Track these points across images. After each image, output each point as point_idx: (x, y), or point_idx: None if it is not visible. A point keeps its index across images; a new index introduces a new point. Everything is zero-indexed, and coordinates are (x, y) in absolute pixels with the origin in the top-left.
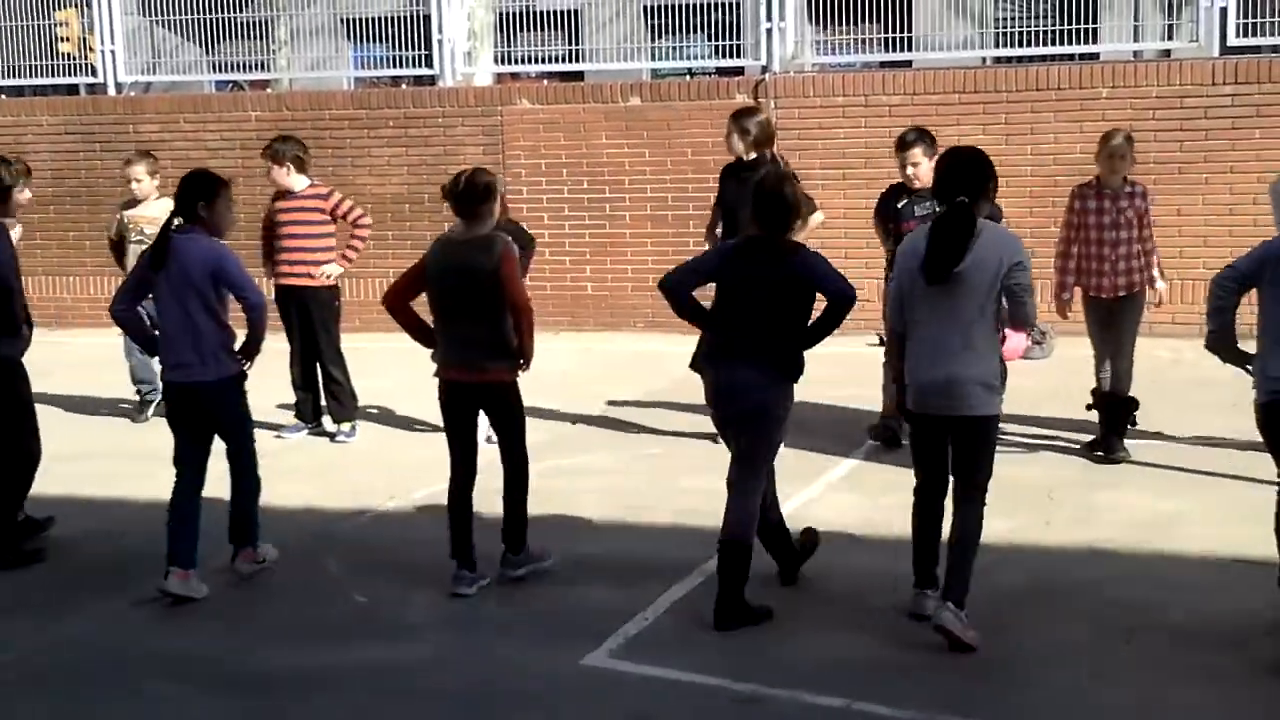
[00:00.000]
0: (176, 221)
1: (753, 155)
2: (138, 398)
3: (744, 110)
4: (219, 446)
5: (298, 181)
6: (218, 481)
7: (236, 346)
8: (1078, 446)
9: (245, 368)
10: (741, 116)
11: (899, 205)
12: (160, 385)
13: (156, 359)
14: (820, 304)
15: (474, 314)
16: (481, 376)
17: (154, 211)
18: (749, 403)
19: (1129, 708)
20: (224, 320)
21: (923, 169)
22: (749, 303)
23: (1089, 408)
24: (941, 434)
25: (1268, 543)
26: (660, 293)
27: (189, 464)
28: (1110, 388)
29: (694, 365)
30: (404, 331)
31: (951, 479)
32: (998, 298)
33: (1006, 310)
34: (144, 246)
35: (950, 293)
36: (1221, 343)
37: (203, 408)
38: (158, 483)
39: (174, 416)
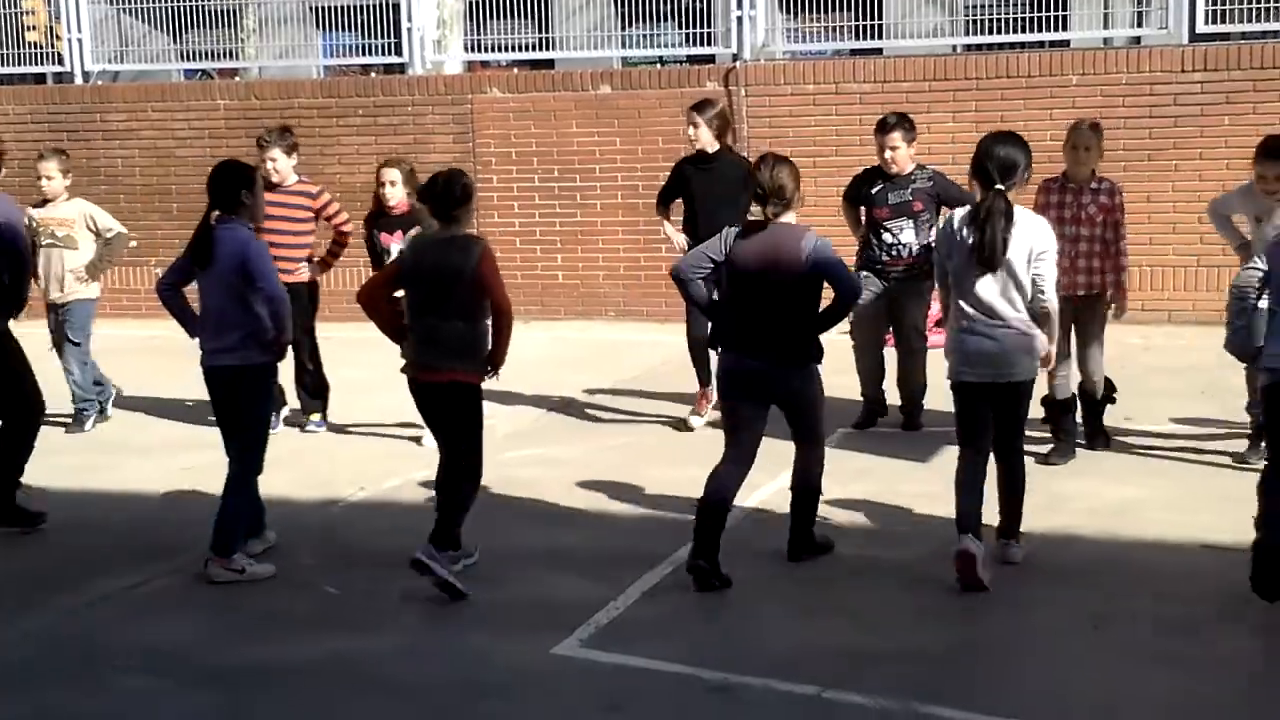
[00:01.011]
0: (215, 214)
1: (715, 147)
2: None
3: (704, 102)
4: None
5: (290, 174)
6: (207, 474)
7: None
8: (1045, 435)
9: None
10: (704, 109)
11: (873, 190)
12: (100, 401)
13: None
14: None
15: (447, 314)
16: (445, 376)
17: (64, 213)
18: (781, 390)
19: (1098, 694)
20: (257, 310)
21: (901, 154)
22: (763, 289)
23: (1043, 421)
24: (986, 399)
25: (1234, 529)
26: (673, 281)
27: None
28: (1080, 389)
29: (711, 344)
30: (380, 325)
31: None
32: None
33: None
34: (58, 249)
35: (995, 274)
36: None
37: (230, 393)
38: (127, 475)
39: (215, 404)
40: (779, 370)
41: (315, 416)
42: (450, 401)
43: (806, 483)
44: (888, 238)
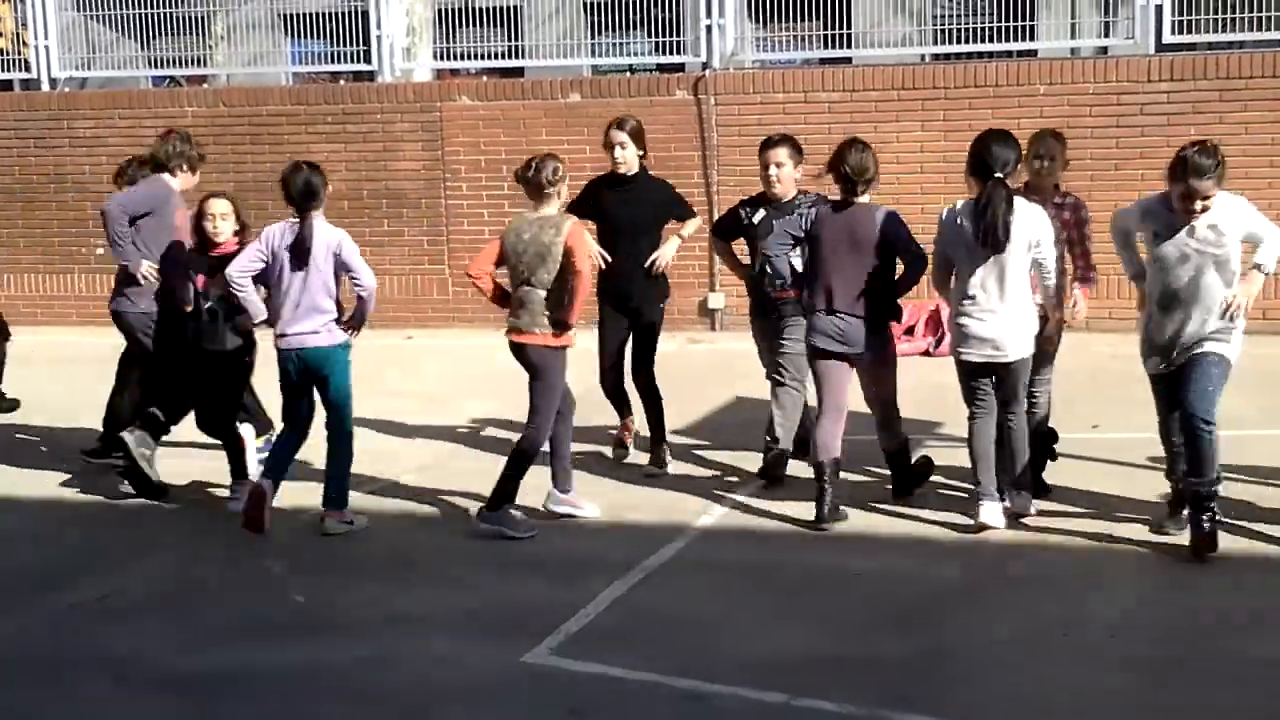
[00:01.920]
0: (293, 218)
1: (635, 170)
2: None
3: (625, 119)
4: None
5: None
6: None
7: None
8: None
9: (351, 338)
10: (625, 124)
11: (755, 220)
12: None
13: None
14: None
15: (539, 285)
16: (529, 339)
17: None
18: (861, 348)
19: (1067, 700)
20: (338, 297)
21: (786, 173)
22: (845, 259)
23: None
24: (985, 375)
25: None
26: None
27: (293, 425)
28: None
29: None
30: (485, 297)
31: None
32: (1032, 264)
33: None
34: None
35: (999, 259)
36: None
37: (318, 371)
38: (88, 482)
39: (296, 382)
40: (860, 330)
41: (259, 441)
42: (531, 361)
43: (895, 437)
44: (769, 268)
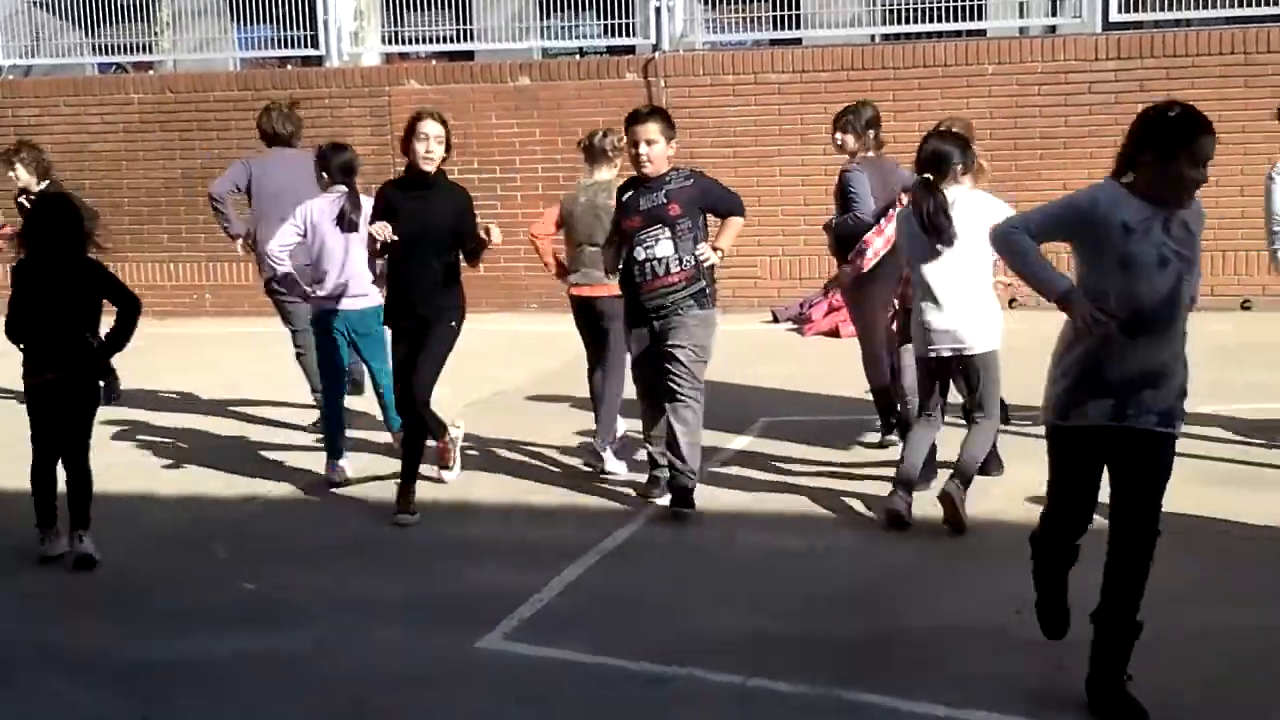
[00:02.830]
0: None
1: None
2: None
3: (437, 110)
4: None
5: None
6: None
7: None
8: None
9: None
10: (443, 122)
11: (623, 199)
12: None
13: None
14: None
15: (596, 244)
16: (595, 290)
17: None
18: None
19: (1022, 678)
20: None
21: (657, 151)
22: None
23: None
24: (948, 372)
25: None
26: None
27: (335, 377)
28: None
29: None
30: (542, 260)
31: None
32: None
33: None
34: None
35: (953, 253)
36: None
37: (357, 333)
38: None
39: (333, 342)
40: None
41: None
42: (597, 312)
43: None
44: (639, 253)
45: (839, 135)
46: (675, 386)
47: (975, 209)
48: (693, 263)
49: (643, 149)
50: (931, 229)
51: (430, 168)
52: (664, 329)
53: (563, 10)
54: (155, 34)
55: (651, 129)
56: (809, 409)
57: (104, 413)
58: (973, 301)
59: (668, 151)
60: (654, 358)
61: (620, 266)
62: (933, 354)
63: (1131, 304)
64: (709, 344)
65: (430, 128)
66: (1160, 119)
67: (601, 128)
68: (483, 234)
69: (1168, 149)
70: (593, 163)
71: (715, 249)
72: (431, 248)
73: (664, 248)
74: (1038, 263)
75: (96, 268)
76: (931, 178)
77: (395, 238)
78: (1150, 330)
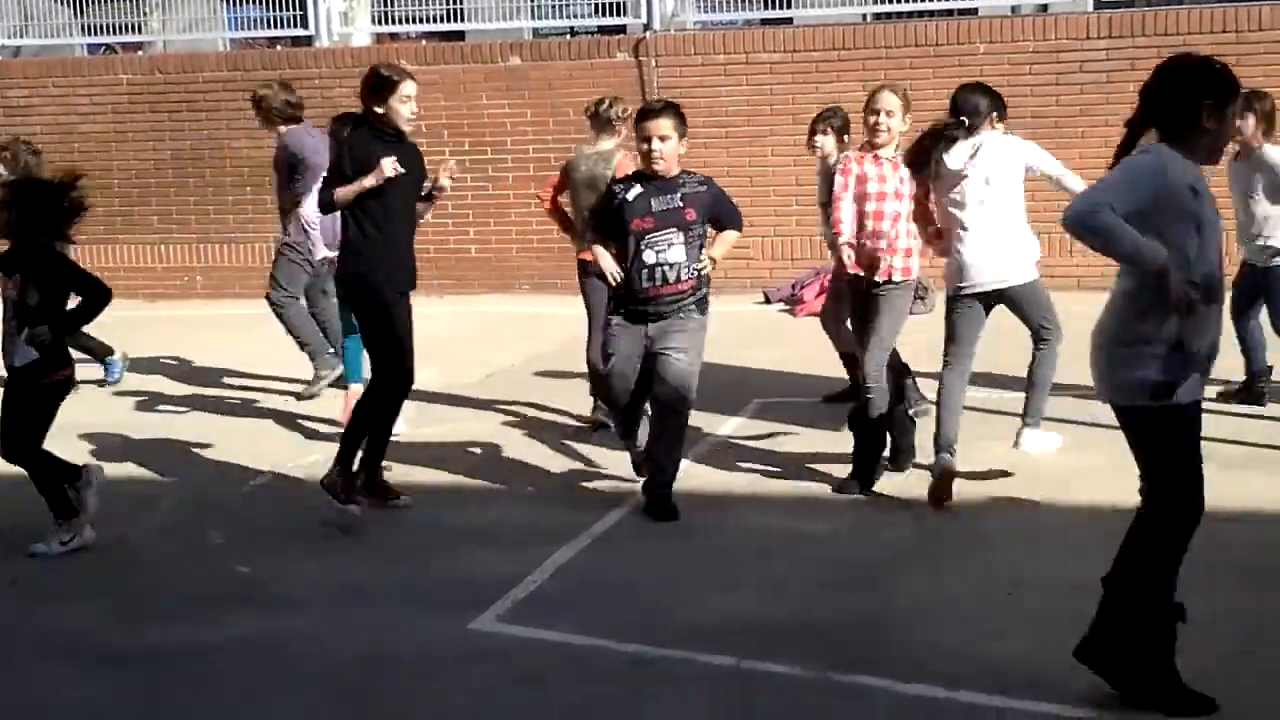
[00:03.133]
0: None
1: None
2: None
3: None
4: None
5: None
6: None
7: None
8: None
9: None
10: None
11: (629, 198)
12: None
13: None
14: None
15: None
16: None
17: None
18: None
19: (1015, 658)
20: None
21: (670, 148)
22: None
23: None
24: (985, 309)
25: None
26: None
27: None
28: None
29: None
30: (555, 224)
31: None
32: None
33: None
34: None
35: (988, 191)
36: None
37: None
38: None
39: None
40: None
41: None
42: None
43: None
44: (649, 256)
45: (819, 139)
46: (672, 400)
47: (1005, 148)
48: (697, 271)
49: (655, 145)
50: (934, 162)
51: (411, 129)
52: (662, 330)
53: None
54: (144, 14)
55: (664, 125)
56: (802, 390)
57: (95, 397)
58: (1008, 237)
59: (680, 149)
60: (642, 358)
61: (611, 251)
62: (968, 290)
63: (1206, 269)
64: (702, 350)
65: (412, 89)
66: (1207, 68)
67: (608, 97)
68: (444, 181)
69: (1224, 97)
70: (598, 130)
71: (710, 258)
72: (412, 205)
73: (676, 253)
74: (1133, 236)
75: (60, 259)
76: (966, 122)
77: (402, 170)
78: (1219, 297)
